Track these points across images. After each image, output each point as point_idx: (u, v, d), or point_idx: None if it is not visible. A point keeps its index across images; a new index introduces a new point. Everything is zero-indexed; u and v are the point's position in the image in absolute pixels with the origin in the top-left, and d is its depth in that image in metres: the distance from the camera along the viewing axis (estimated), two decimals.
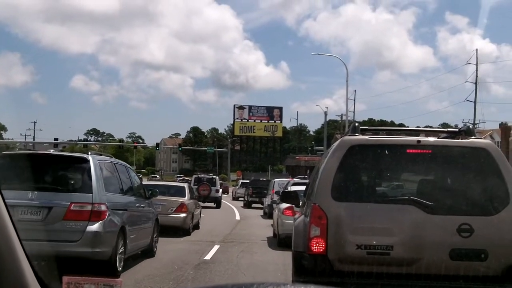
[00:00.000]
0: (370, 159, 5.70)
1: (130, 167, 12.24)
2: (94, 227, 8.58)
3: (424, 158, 5.62)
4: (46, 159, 9.67)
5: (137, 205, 10.94)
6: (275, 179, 27.91)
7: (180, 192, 17.68)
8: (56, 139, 66.93)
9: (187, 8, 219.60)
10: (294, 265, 5.81)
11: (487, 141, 5.89)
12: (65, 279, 2.80)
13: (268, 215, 24.00)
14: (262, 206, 31.57)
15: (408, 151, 5.55)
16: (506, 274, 5.23)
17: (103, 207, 8.78)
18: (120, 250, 9.35)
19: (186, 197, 17.43)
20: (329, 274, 5.25)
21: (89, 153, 9.79)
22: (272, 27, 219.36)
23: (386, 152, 5.61)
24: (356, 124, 5.95)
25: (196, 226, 18.43)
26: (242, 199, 42.35)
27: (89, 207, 8.63)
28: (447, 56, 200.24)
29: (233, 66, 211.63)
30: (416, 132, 6.81)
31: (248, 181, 45.38)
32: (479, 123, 72.94)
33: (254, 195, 34.69)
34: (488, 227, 5.29)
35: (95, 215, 8.63)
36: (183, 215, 16.27)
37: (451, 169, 5.71)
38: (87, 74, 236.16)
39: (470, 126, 5.90)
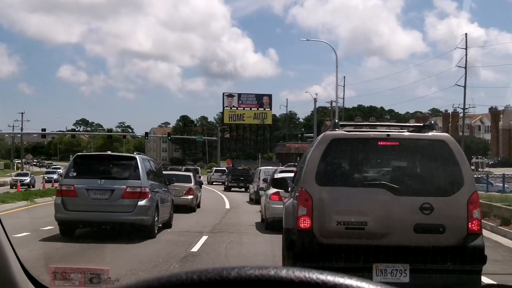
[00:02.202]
0: (348, 150, 6.84)
1: (155, 161, 15.74)
2: (142, 202, 12.71)
3: (393, 149, 6.78)
4: (107, 158, 14.34)
5: (163, 189, 14.92)
6: (261, 167, 31.08)
7: (188, 179, 22.85)
8: (43, 129, 67.40)
9: None
10: (285, 240, 6.97)
11: (446, 134, 7.04)
12: (51, 268, 2.86)
13: (254, 201, 26.12)
14: (239, 189, 40.68)
15: (379, 143, 6.70)
16: (460, 244, 6.39)
17: (147, 189, 12.94)
18: (156, 219, 13.39)
19: (192, 183, 22.67)
20: (314, 246, 6.39)
21: (135, 153, 14.52)
22: (260, 14, 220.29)
23: (361, 144, 6.76)
24: (336, 120, 7.14)
25: (198, 205, 23.30)
26: (217, 183, 51.75)
27: (138, 190, 12.78)
28: (435, 41, 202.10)
29: (221, 54, 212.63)
30: (388, 126, 7.94)
31: (221, 168, 59.61)
32: (469, 107, 74.17)
33: (233, 181, 42.99)
34: (446, 205, 6.44)
35: (142, 195, 12.76)
36: (191, 197, 21.58)
37: (415, 158, 6.88)
38: (74, 64, 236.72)
39: (432, 122, 7.05)
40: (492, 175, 42.94)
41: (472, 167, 75.95)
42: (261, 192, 22.94)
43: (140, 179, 12.91)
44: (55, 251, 11.19)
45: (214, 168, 62.76)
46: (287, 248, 6.84)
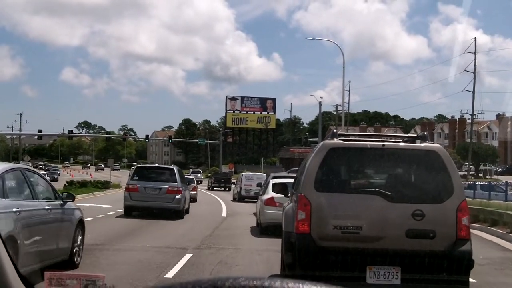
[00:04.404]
0: (346, 159, 7.42)
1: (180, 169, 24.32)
2: (178, 196, 20.41)
3: (388, 158, 7.34)
4: (156, 168, 24.02)
5: (186, 187, 23.04)
6: (243, 173, 40.02)
7: (192, 180, 32.92)
8: (40, 130, 68.58)
9: None
10: (284, 242, 7.54)
11: (438, 145, 7.62)
12: (47, 274, 2.88)
13: (237, 199, 36.02)
14: (220, 189, 53.54)
15: (375, 152, 7.26)
16: (449, 249, 6.94)
17: (180, 189, 20.69)
18: (184, 207, 21.09)
19: (195, 183, 33.61)
20: (312, 248, 6.94)
21: (172, 165, 24.80)
22: (264, 19, 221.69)
23: (358, 153, 7.33)
24: (335, 130, 7.73)
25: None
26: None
27: (176, 188, 20.44)
28: (440, 47, 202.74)
29: (225, 58, 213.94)
30: (384, 137, 8.49)
31: (196, 170, 79.89)
32: (478, 113, 74.10)
33: (215, 182, 56.29)
34: (436, 212, 7.00)
35: (178, 192, 20.47)
36: (195, 192, 31.43)
37: (409, 167, 7.45)
38: (78, 67, 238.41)
39: (425, 133, 7.62)
40: (508, 183, 42.99)
41: (480, 175, 76.15)
42: (243, 192, 35.48)
43: (176, 182, 20.80)
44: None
45: (191, 170, 77.07)
46: (286, 250, 7.41)
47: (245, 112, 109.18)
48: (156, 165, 28.56)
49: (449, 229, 6.96)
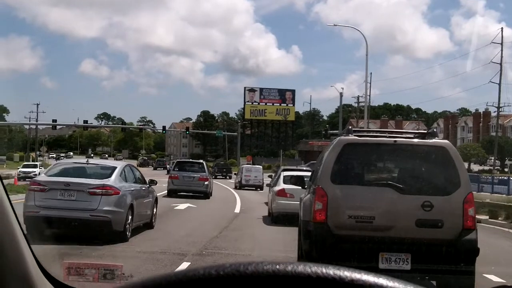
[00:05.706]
0: (360, 154, 8.15)
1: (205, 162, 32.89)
2: (206, 183, 29.12)
3: (399, 153, 8.05)
4: (190, 162, 33.58)
5: (211, 176, 32.77)
6: (243, 165, 49.78)
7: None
8: (54, 120, 70.39)
9: None
10: (302, 230, 8.31)
11: (446, 141, 8.31)
12: (66, 264, 3.05)
13: (238, 188, 42.55)
14: (222, 177, 62.83)
15: (387, 148, 7.98)
16: (456, 238, 7.64)
17: (208, 177, 29.77)
18: (211, 190, 30.01)
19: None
20: (328, 236, 7.68)
21: (200, 160, 34.40)
22: (283, 11, 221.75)
23: (371, 149, 8.06)
24: (350, 127, 8.45)
25: None
26: None
27: (205, 177, 29.28)
28: (461, 40, 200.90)
29: (243, 51, 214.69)
30: (397, 133, 9.18)
31: (187, 160, 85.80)
32: (504, 106, 73.61)
33: (217, 172, 64.72)
34: (444, 204, 7.70)
35: (206, 179, 29.27)
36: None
37: (419, 162, 8.15)
38: (96, 59, 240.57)
39: (435, 130, 8.30)
40: None
41: (506, 169, 75.65)
42: (243, 181, 42.71)
43: (205, 172, 29.52)
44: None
45: (177, 160, 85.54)
46: (304, 237, 8.18)
47: (264, 103, 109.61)
48: (191, 160, 38.64)
49: (456, 219, 7.65)
